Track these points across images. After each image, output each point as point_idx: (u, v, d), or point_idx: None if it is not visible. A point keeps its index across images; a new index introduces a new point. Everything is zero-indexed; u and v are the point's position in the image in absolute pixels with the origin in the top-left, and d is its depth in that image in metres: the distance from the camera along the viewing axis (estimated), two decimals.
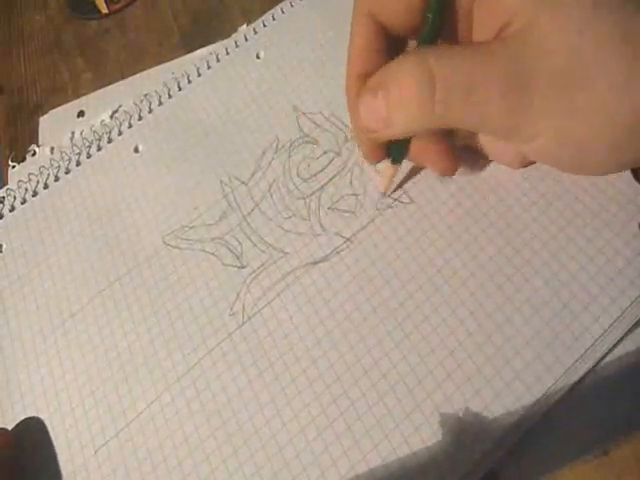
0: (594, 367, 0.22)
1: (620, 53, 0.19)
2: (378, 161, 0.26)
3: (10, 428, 0.27)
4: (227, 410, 0.25)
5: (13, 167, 0.36)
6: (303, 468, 0.23)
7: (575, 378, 0.22)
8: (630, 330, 0.23)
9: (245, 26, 0.36)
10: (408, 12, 0.22)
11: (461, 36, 0.23)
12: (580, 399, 0.22)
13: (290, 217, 0.29)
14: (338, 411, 0.24)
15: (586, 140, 0.20)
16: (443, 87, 0.20)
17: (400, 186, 0.28)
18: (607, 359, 0.23)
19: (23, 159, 0.37)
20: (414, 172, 0.28)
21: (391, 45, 0.24)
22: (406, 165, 0.27)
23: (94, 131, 0.35)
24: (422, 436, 0.22)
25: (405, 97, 0.21)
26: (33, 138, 0.38)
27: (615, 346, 0.23)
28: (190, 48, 0.38)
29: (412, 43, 0.25)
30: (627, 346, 0.23)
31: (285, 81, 0.33)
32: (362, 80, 0.23)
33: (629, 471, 0.21)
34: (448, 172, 0.26)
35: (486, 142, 0.26)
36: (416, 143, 0.25)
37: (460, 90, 0.20)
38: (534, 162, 0.26)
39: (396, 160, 0.26)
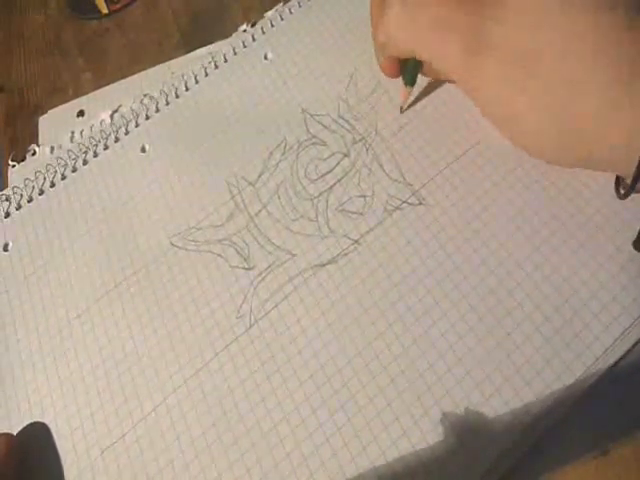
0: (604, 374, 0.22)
1: (582, 50, 0.20)
2: (392, 76, 0.29)
3: (15, 432, 0.27)
4: (234, 412, 0.25)
5: (13, 167, 0.36)
6: (310, 474, 0.23)
7: (576, 377, 0.22)
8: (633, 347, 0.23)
9: (245, 26, 0.36)
10: None
11: None
12: (580, 399, 0.22)
13: (298, 218, 0.28)
14: (345, 417, 0.23)
15: (528, 123, 0.22)
16: (407, 12, 0.23)
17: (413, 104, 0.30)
18: (606, 360, 0.22)
19: (23, 159, 0.37)
20: (424, 172, 0.28)
21: None
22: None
23: (101, 130, 0.35)
24: (426, 436, 0.22)
25: (386, 10, 0.24)
26: (33, 138, 0.38)
27: (627, 354, 0.22)
28: (190, 48, 0.38)
29: None
30: (627, 346, 0.23)
31: (293, 82, 0.33)
32: None
33: (629, 471, 0.21)
34: None
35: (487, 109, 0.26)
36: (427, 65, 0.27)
37: (423, 25, 0.23)
38: None
39: (408, 81, 0.28)
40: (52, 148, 0.36)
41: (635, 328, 0.23)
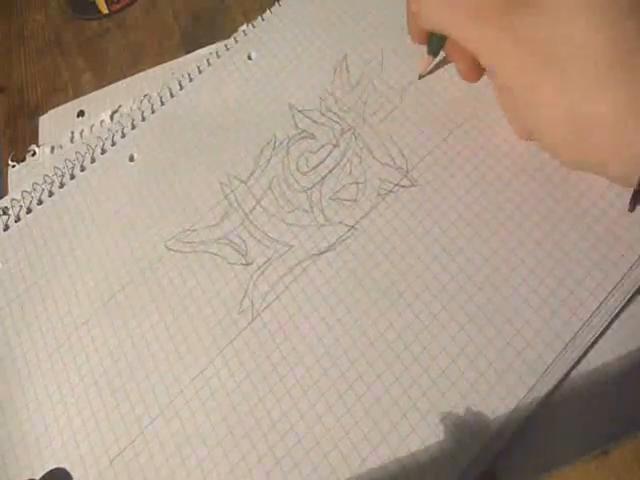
0: (585, 354, 0.23)
1: (606, 53, 0.20)
2: (420, 43, 0.29)
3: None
4: (243, 405, 0.24)
5: (13, 167, 0.36)
6: (324, 455, 0.23)
7: (568, 365, 0.22)
8: (617, 315, 0.23)
9: (245, 26, 0.36)
10: None
11: None
12: (580, 399, 0.22)
13: (292, 211, 0.29)
14: (355, 396, 0.23)
15: (545, 118, 0.22)
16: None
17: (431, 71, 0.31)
18: (607, 359, 0.23)
19: (23, 159, 0.37)
20: (413, 154, 0.28)
21: None
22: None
23: (87, 144, 0.35)
24: (419, 434, 0.22)
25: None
26: (33, 138, 0.38)
27: (604, 332, 0.23)
28: (190, 48, 0.38)
29: None
30: (628, 346, 0.23)
31: (278, 80, 0.33)
32: None
33: (629, 471, 0.21)
34: (467, 77, 0.28)
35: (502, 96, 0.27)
36: (451, 41, 0.27)
37: (463, 9, 0.23)
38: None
39: (430, 51, 0.29)
40: (52, 148, 0.36)
41: (610, 302, 0.23)
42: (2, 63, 0.43)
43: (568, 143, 0.22)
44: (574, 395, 0.22)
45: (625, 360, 0.22)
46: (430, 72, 0.31)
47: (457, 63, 0.28)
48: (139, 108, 0.35)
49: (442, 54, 0.29)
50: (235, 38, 0.36)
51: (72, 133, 0.36)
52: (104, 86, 0.39)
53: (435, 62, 0.30)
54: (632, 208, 0.23)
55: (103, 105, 0.37)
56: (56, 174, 0.34)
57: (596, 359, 0.23)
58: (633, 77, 0.19)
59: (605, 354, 0.23)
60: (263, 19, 0.36)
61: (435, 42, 0.28)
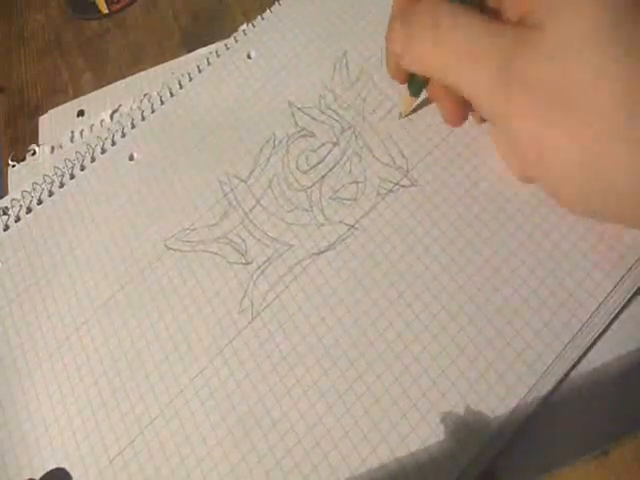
0: (585, 354, 0.23)
1: (623, 104, 0.18)
2: (400, 82, 0.28)
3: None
4: (243, 405, 0.24)
5: (13, 166, 0.36)
6: (324, 455, 0.22)
7: (568, 365, 0.22)
8: (617, 316, 0.23)
9: (245, 26, 0.36)
10: None
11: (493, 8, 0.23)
12: (580, 399, 0.22)
13: (292, 210, 0.29)
14: (355, 396, 0.23)
15: (555, 169, 0.20)
16: (442, 36, 0.22)
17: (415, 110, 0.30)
18: (607, 359, 0.23)
19: (23, 159, 0.37)
20: (413, 154, 0.28)
21: None
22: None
23: (97, 136, 0.34)
24: (419, 434, 0.22)
25: (414, 33, 0.23)
26: (33, 138, 0.38)
27: (603, 333, 0.23)
28: (190, 48, 0.38)
29: None
30: (627, 346, 0.23)
31: (277, 78, 0.33)
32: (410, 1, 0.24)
33: (629, 471, 0.21)
34: (453, 122, 0.27)
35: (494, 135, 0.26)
36: (434, 83, 0.26)
37: (456, 50, 0.21)
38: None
39: (412, 93, 0.27)
40: (52, 148, 0.36)
41: (609, 303, 0.23)
42: (2, 63, 0.43)
43: (581, 189, 0.20)
44: (574, 395, 0.22)
45: (625, 360, 0.22)
46: (413, 111, 0.29)
47: (441, 106, 0.27)
48: (139, 107, 0.35)
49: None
50: (235, 37, 0.35)
51: (72, 133, 0.36)
52: (104, 86, 0.39)
53: (418, 102, 0.29)
54: None
55: (103, 105, 0.37)
56: (56, 174, 0.34)
57: (596, 359, 0.23)
58: None
59: (605, 354, 0.23)
60: (263, 18, 0.36)
61: (417, 84, 0.27)
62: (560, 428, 0.22)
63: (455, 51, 0.22)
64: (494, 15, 0.22)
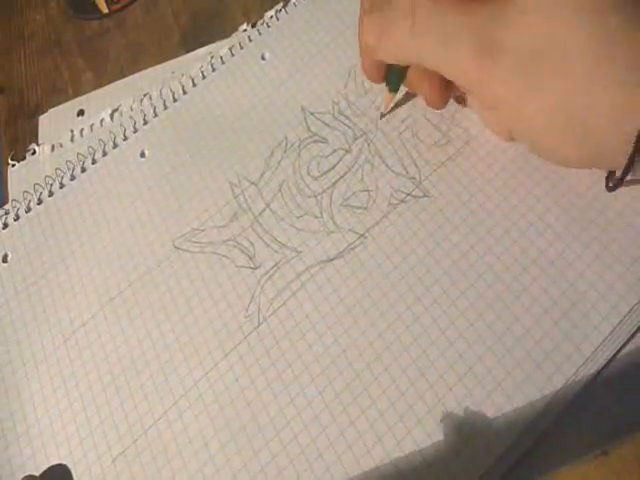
0: (600, 371, 0.22)
1: (592, 50, 0.20)
2: (376, 82, 0.28)
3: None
4: (246, 411, 0.24)
5: (13, 166, 0.36)
6: (327, 468, 0.22)
7: (584, 377, 0.22)
8: (633, 335, 0.23)
9: (245, 25, 0.36)
10: None
11: None
12: (580, 399, 0.22)
13: (302, 216, 0.28)
14: (359, 409, 0.23)
15: (538, 122, 0.22)
16: (419, 24, 0.23)
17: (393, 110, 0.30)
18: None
19: (23, 158, 0.37)
20: (426, 165, 0.28)
21: None
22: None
23: (100, 139, 0.34)
24: (427, 432, 0.22)
25: (390, 22, 0.24)
26: (33, 137, 0.38)
27: (619, 351, 0.23)
28: (190, 48, 0.38)
29: None
30: (627, 347, 0.23)
31: (292, 81, 0.33)
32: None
33: (629, 471, 0.21)
34: (436, 105, 0.27)
35: (475, 104, 0.27)
36: (413, 71, 0.26)
37: (434, 34, 0.22)
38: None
39: (391, 88, 0.28)
40: (52, 147, 0.36)
41: (632, 316, 0.23)
42: (2, 63, 0.43)
43: (562, 138, 0.22)
44: (574, 395, 0.22)
45: (625, 360, 0.22)
46: (391, 110, 0.30)
47: (423, 92, 0.27)
48: (151, 104, 0.35)
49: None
50: (249, 37, 0.35)
51: (72, 132, 0.36)
52: (104, 85, 0.38)
53: (395, 100, 0.29)
54: (610, 187, 0.24)
55: (103, 104, 0.37)
56: (68, 167, 0.34)
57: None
58: (621, 68, 0.19)
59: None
60: (278, 19, 0.35)
61: (395, 77, 0.27)
62: (561, 428, 0.22)
63: (433, 34, 0.22)
64: None
